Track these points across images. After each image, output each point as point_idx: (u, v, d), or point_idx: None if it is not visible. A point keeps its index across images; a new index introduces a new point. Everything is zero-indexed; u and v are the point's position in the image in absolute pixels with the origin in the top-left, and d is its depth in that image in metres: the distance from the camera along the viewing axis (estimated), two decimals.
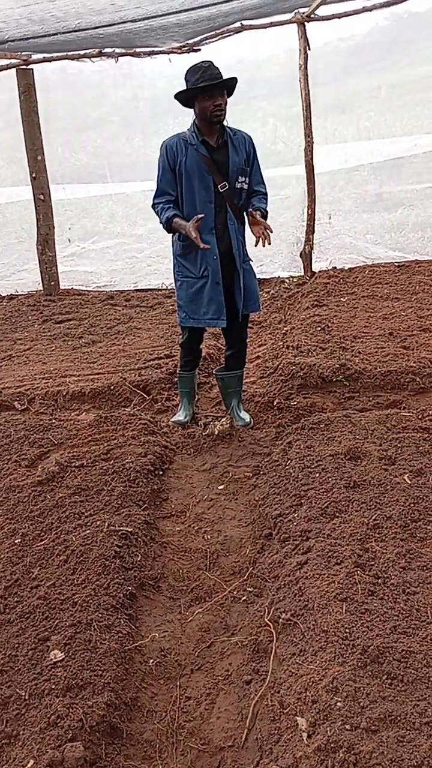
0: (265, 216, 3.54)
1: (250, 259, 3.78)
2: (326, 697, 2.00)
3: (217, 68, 3.34)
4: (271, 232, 3.47)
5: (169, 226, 3.51)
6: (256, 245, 3.47)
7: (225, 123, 3.50)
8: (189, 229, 3.37)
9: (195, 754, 2.09)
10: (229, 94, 3.44)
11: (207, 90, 3.30)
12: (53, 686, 2.17)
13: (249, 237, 3.78)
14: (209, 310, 3.64)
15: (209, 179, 3.49)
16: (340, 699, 1.98)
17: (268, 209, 3.61)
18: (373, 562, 2.57)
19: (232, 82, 3.36)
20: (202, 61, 3.35)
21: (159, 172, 3.54)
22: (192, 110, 3.45)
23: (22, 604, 2.56)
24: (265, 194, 3.68)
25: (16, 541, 2.93)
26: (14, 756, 1.98)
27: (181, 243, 3.62)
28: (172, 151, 3.48)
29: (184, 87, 3.37)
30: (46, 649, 2.33)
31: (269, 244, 3.45)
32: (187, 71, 3.35)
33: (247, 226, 3.60)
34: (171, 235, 3.66)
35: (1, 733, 2.06)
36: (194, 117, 3.47)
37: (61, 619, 2.45)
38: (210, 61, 3.35)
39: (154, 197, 3.57)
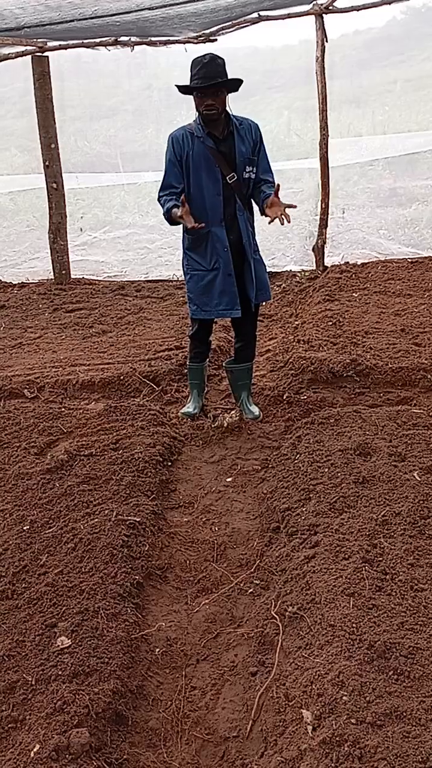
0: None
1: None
2: (332, 691, 2.00)
3: (220, 62, 3.28)
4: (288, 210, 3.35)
5: (169, 218, 3.47)
6: (270, 223, 3.38)
7: (229, 111, 3.45)
8: (177, 216, 3.32)
9: (200, 743, 2.10)
10: (232, 90, 3.40)
11: (198, 91, 3.29)
12: (60, 672, 2.18)
13: (258, 227, 3.76)
14: (222, 302, 3.63)
15: (217, 171, 3.46)
16: (345, 693, 1.99)
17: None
18: (381, 558, 2.57)
19: (225, 85, 3.31)
20: (204, 55, 3.31)
21: (166, 165, 3.52)
22: None
23: (30, 591, 2.57)
24: (273, 182, 3.60)
25: (25, 528, 2.95)
26: (20, 740, 1.99)
27: (189, 237, 3.60)
28: (178, 144, 3.46)
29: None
30: (53, 635, 2.34)
31: (288, 222, 3.36)
32: (192, 63, 3.32)
33: (258, 214, 3.56)
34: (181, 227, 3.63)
35: (7, 717, 2.07)
36: None
37: (68, 606, 2.46)
38: (212, 55, 3.30)
39: (160, 190, 3.54)
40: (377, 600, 2.35)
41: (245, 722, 2.13)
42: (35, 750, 1.93)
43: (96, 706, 2.06)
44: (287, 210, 3.34)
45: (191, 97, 3.41)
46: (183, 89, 3.37)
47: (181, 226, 3.51)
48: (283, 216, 3.33)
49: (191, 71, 3.31)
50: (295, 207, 3.37)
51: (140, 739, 2.10)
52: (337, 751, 1.83)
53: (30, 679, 2.18)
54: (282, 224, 3.37)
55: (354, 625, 2.24)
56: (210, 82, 3.26)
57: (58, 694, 2.09)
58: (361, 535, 2.70)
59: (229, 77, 3.33)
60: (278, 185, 3.42)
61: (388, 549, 2.61)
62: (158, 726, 2.15)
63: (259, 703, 2.17)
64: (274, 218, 3.35)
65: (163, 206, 3.48)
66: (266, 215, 3.41)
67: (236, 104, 3.50)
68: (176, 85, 3.37)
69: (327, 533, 2.74)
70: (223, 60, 3.32)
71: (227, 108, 3.41)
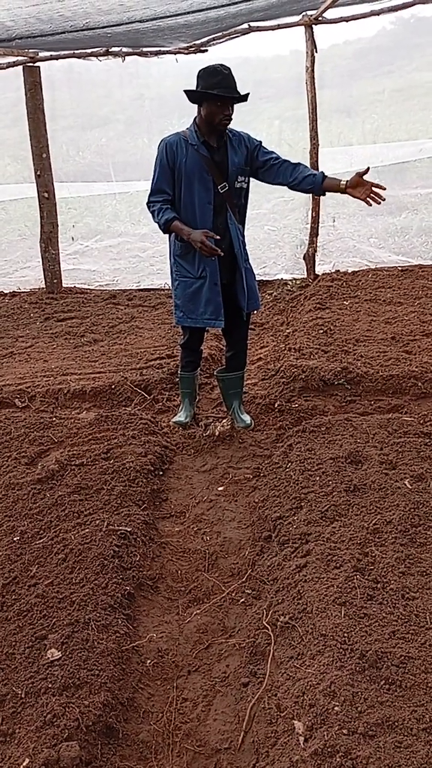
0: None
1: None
2: (324, 701, 1.99)
3: (233, 74, 3.31)
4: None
5: (166, 229, 3.46)
6: (370, 204, 3.34)
7: None
8: (194, 238, 3.32)
9: (191, 755, 2.08)
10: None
11: (222, 98, 3.29)
12: (50, 685, 2.16)
13: (249, 236, 3.77)
14: (207, 311, 3.62)
15: (209, 180, 3.47)
16: (337, 703, 1.98)
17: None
18: (372, 567, 2.56)
19: (246, 98, 3.34)
20: (221, 65, 3.30)
21: (156, 170, 3.49)
22: (195, 108, 3.43)
23: (20, 602, 2.55)
24: (305, 165, 3.56)
25: (15, 539, 2.93)
26: (10, 754, 1.97)
27: (179, 243, 3.60)
28: (172, 150, 3.45)
29: (192, 86, 3.36)
30: (43, 647, 2.32)
31: (378, 203, 3.31)
32: (205, 72, 3.31)
33: (248, 223, 3.54)
34: (168, 234, 3.63)
35: None
36: (195, 117, 3.46)
37: (58, 617, 2.44)
38: (228, 68, 3.31)
39: (150, 195, 3.51)
40: (369, 609, 2.34)
41: (237, 734, 2.12)
42: (25, 764, 1.91)
43: (86, 719, 2.04)
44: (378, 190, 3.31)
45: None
46: (200, 95, 3.31)
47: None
48: (373, 196, 3.31)
49: (205, 80, 3.29)
50: (384, 189, 3.31)
51: (131, 752, 2.08)
52: (329, 762, 1.82)
53: (19, 692, 2.16)
54: (370, 205, 3.34)
55: (345, 634, 2.23)
56: (235, 93, 3.28)
57: (48, 707, 2.07)
58: (353, 543, 2.70)
59: None
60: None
61: (379, 557, 2.61)
62: (149, 738, 2.13)
63: (251, 714, 2.15)
64: (363, 199, 3.32)
65: (157, 214, 3.45)
66: (354, 196, 3.37)
67: None
68: (195, 91, 3.31)
69: (318, 542, 2.74)
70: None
71: None
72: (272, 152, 3.57)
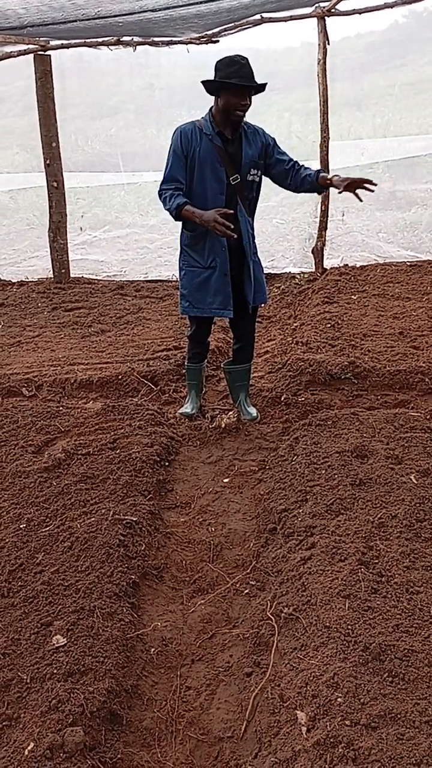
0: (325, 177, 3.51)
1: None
2: (326, 693, 2.00)
3: (250, 65, 3.29)
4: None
5: (177, 214, 3.40)
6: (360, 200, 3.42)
7: None
8: (207, 218, 3.27)
9: (194, 743, 2.10)
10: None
11: (240, 87, 3.28)
12: (55, 671, 2.18)
13: (257, 229, 3.77)
14: (215, 301, 3.61)
15: (221, 171, 3.46)
16: (340, 695, 1.99)
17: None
18: (377, 560, 2.57)
19: (262, 88, 3.33)
20: (239, 56, 3.29)
21: (169, 158, 3.47)
22: (211, 99, 3.41)
23: (26, 589, 2.57)
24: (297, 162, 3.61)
25: (21, 526, 2.95)
26: (14, 738, 1.99)
27: (189, 233, 3.59)
28: (186, 138, 3.43)
29: (203, 77, 3.34)
30: (48, 633, 2.34)
31: (373, 189, 3.38)
32: (222, 62, 3.30)
33: (258, 216, 3.56)
34: (181, 224, 3.62)
35: (2, 715, 2.07)
36: (211, 107, 3.45)
37: (64, 604, 2.46)
38: (245, 58, 3.29)
39: (162, 183, 3.48)
40: (373, 602, 2.35)
41: (240, 723, 2.14)
42: (30, 748, 1.93)
43: (91, 705, 2.06)
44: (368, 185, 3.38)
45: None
46: (218, 84, 3.29)
47: (179, 223, 3.51)
48: (364, 187, 3.37)
49: (223, 70, 3.27)
50: (375, 185, 3.40)
51: (134, 739, 2.10)
52: (331, 752, 1.83)
53: (25, 677, 2.18)
54: (360, 200, 3.43)
55: (349, 626, 2.24)
56: (252, 83, 3.27)
57: (53, 693, 2.09)
58: (358, 537, 2.71)
59: None
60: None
61: (384, 551, 2.62)
62: (153, 725, 2.15)
63: (254, 703, 2.17)
64: (352, 191, 3.39)
65: (168, 200, 3.41)
66: (342, 190, 3.44)
67: None
68: (213, 81, 3.30)
69: (323, 535, 2.75)
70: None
71: None
72: (285, 153, 3.59)
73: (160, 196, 3.50)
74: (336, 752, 1.83)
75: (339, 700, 1.97)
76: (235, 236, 3.37)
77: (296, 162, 3.58)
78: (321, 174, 3.51)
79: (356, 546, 2.64)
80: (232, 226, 3.30)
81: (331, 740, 1.86)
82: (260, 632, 2.43)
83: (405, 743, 1.84)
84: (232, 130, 3.46)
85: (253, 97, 3.41)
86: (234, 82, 3.25)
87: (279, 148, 3.59)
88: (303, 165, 3.57)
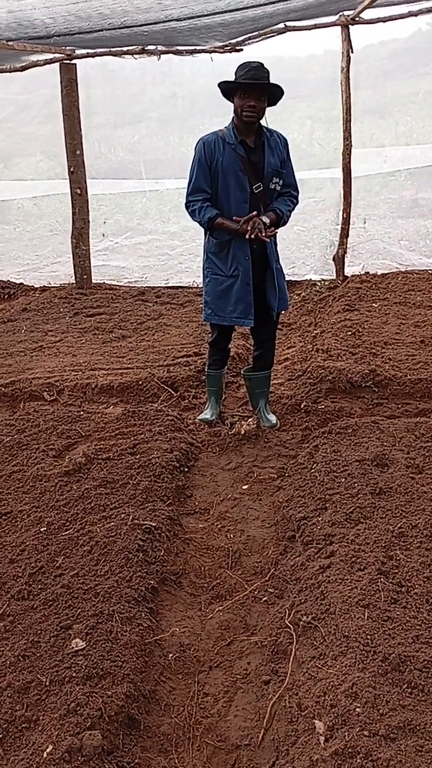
0: (278, 218, 3.53)
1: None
2: (345, 702, 1.99)
3: (266, 71, 3.32)
4: (263, 232, 3.42)
5: (210, 226, 3.51)
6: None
7: (264, 124, 3.50)
8: (240, 232, 3.40)
9: (211, 750, 2.10)
10: (272, 103, 3.43)
11: (244, 88, 3.31)
12: (74, 674, 2.19)
13: (279, 236, 3.79)
14: (236, 309, 3.64)
15: (244, 180, 3.48)
16: (359, 705, 1.98)
17: (290, 212, 3.60)
18: (396, 570, 2.55)
19: (271, 88, 3.34)
20: (253, 61, 3.34)
21: (194, 169, 3.53)
22: (227, 108, 3.45)
23: (46, 592, 2.59)
24: (294, 196, 3.66)
25: (42, 530, 2.97)
26: (33, 741, 2.00)
27: (215, 240, 3.62)
28: (209, 149, 3.48)
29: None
30: (67, 637, 2.36)
31: (253, 236, 3.40)
32: (238, 66, 3.36)
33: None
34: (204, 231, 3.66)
35: (21, 717, 2.09)
36: (233, 116, 3.48)
37: (83, 608, 2.48)
38: (261, 63, 3.33)
39: (189, 194, 3.55)
40: (392, 612, 2.34)
41: (257, 731, 2.13)
42: (48, 751, 1.94)
43: (109, 709, 2.07)
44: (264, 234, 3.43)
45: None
46: (228, 86, 3.37)
47: (201, 229, 3.54)
48: (253, 229, 3.40)
49: (237, 73, 3.34)
50: (268, 239, 3.46)
51: (152, 744, 2.10)
52: (349, 762, 1.82)
53: (44, 680, 2.19)
54: (249, 236, 3.41)
55: (368, 636, 2.22)
56: (259, 81, 3.30)
57: (71, 696, 2.10)
58: (377, 546, 2.69)
59: None
60: (282, 212, 3.53)
61: (404, 561, 2.60)
62: (170, 731, 2.15)
63: (272, 712, 2.16)
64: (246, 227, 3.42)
65: (198, 212, 3.50)
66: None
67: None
68: (221, 82, 3.37)
69: (343, 544, 2.74)
70: (268, 70, 3.35)
71: (263, 119, 3.45)
72: (292, 176, 3.64)
73: (187, 207, 3.55)
74: (354, 763, 1.81)
75: (357, 710, 1.96)
76: (267, 240, 3.42)
77: (290, 192, 3.63)
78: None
79: (376, 555, 2.63)
80: (265, 232, 3.35)
81: (349, 750, 1.85)
82: (278, 640, 2.42)
83: (424, 755, 1.82)
84: (254, 138, 3.48)
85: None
86: (240, 82, 3.30)
87: (290, 165, 3.62)
88: (287, 197, 3.62)
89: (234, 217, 3.43)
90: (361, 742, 1.86)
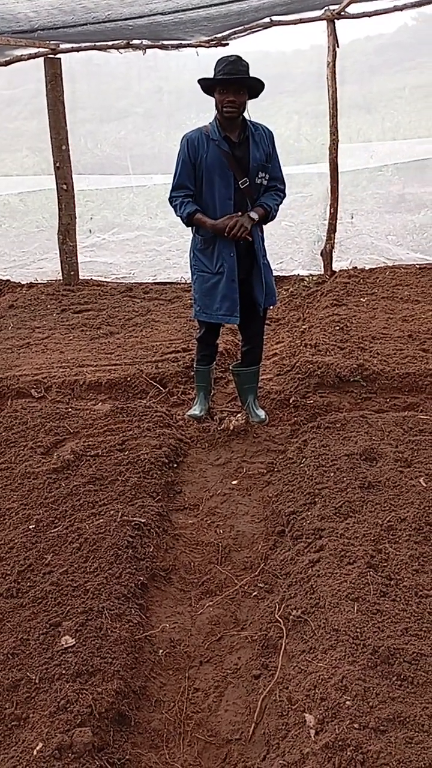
0: (266, 213, 3.52)
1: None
2: (335, 695, 2.00)
3: (245, 64, 3.29)
4: (242, 233, 3.43)
5: (189, 221, 3.52)
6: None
7: (247, 117, 3.48)
8: (219, 229, 3.41)
9: (202, 745, 2.10)
10: (253, 96, 3.40)
11: (222, 83, 3.30)
12: (63, 671, 2.19)
13: (267, 232, 3.78)
14: (222, 306, 3.63)
15: (230, 175, 3.47)
16: (349, 698, 1.98)
17: (278, 206, 3.59)
18: (385, 564, 2.56)
19: (249, 81, 3.31)
20: (231, 55, 3.32)
21: (178, 166, 3.52)
22: (213, 102, 3.44)
23: (35, 589, 2.58)
24: (281, 190, 3.65)
25: (30, 527, 2.96)
26: (23, 738, 2.00)
27: (200, 237, 3.61)
28: (193, 146, 3.46)
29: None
30: (57, 634, 2.35)
31: (234, 236, 3.42)
32: (216, 61, 3.34)
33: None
34: (191, 228, 3.66)
35: (11, 715, 2.08)
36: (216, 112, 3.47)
37: (72, 605, 2.47)
38: (238, 56, 3.31)
39: (172, 190, 3.55)
40: (382, 605, 2.35)
41: (248, 725, 2.13)
42: (38, 748, 1.93)
43: (99, 706, 2.06)
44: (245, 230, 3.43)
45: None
46: (206, 82, 3.36)
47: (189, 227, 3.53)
48: (236, 230, 3.41)
49: (216, 69, 3.32)
50: (249, 239, 3.48)
51: (143, 740, 2.10)
52: (339, 755, 1.83)
53: (34, 677, 2.19)
54: (233, 235, 3.43)
55: (358, 630, 2.23)
56: (234, 75, 3.27)
57: (61, 693, 2.10)
58: (366, 540, 2.70)
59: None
60: (270, 207, 3.52)
61: (393, 554, 2.61)
62: (161, 727, 2.15)
63: (262, 706, 2.17)
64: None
65: (179, 208, 3.51)
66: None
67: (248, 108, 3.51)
68: (199, 79, 3.35)
69: (332, 538, 2.74)
70: (247, 63, 3.33)
71: (245, 113, 3.43)
72: (278, 170, 3.62)
73: (170, 202, 3.56)
74: (344, 755, 1.82)
75: (347, 703, 1.97)
76: (251, 239, 3.42)
77: (277, 186, 3.62)
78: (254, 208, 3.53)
79: (365, 549, 2.64)
80: (248, 227, 3.33)
81: (340, 743, 1.85)
82: (268, 635, 2.42)
83: (414, 747, 1.83)
84: (238, 133, 3.46)
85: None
86: (218, 78, 3.29)
87: (276, 158, 3.61)
88: (273, 191, 3.61)
89: (228, 216, 3.41)
90: (351, 734, 1.87)
